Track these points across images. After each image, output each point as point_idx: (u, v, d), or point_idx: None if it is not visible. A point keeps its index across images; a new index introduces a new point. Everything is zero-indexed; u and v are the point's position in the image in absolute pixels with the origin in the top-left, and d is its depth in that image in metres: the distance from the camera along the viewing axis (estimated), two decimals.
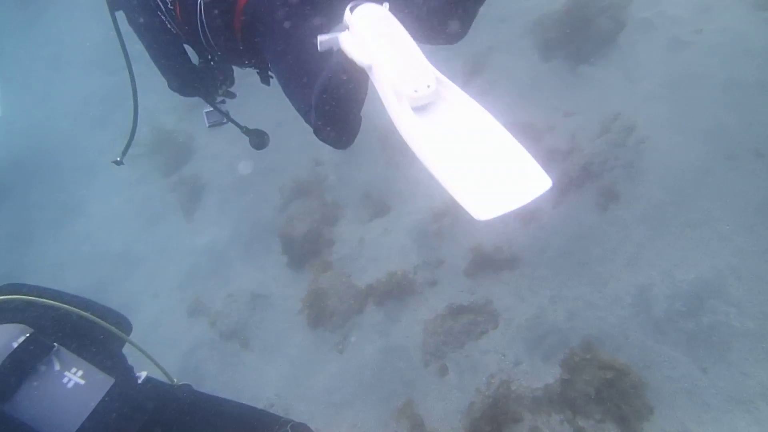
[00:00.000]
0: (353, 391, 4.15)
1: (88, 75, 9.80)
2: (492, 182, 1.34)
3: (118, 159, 2.76)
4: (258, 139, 2.87)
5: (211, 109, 2.83)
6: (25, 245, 7.79)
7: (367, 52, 1.50)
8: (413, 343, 4.19)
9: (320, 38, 1.61)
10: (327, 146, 2.06)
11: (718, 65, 4.28)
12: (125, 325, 2.16)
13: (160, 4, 2.26)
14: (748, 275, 3.42)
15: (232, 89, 2.88)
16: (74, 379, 1.74)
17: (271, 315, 4.97)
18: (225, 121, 2.86)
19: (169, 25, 2.33)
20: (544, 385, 3.52)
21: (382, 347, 4.29)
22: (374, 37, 1.50)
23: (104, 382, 1.76)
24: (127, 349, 2.06)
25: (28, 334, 1.73)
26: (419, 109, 1.45)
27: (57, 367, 1.74)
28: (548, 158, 4.44)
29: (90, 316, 1.93)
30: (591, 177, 4.28)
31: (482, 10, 1.82)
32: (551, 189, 1.33)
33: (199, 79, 2.64)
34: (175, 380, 2.16)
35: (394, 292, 4.48)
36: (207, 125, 2.87)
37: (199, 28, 2.18)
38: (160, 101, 6.34)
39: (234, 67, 2.72)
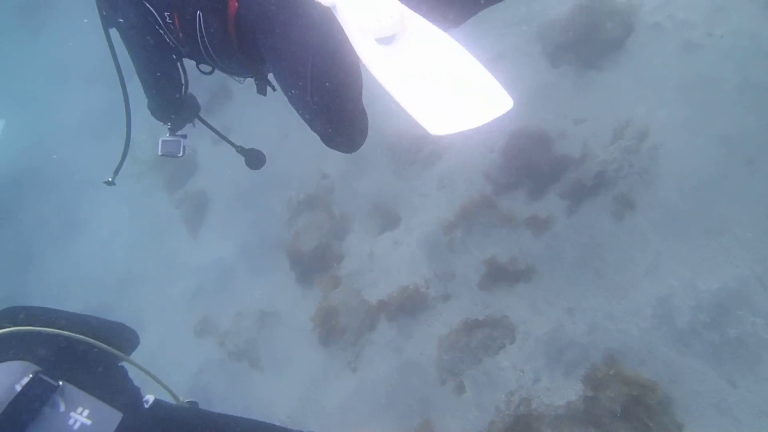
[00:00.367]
0: (368, 410, 4.05)
1: (89, 89, 9.74)
2: (453, 102, 1.40)
3: (110, 179, 2.74)
4: (254, 158, 2.86)
5: (169, 138, 2.80)
6: (28, 265, 7.72)
7: None
8: (428, 360, 4.09)
9: None
10: (333, 157, 2.08)
11: (732, 67, 4.18)
12: (133, 339, 2.12)
13: (158, 18, 2.23)
14: None
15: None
16: (80, 419, 1.67)
17: (280, 333, 4.88)
18: (180, 154, 2.83)
19: (167, 39, 2.31)
20: (566, 402, 3.41)
21: (396, 364, 4.19)
22: None
23: (112, 418, 1.71)
24: (133, 372, 2.01)
25: (31, 374, 1.66)
26: (385, 41, 1.51)
27: (62, 408, 1.68)
28: (560, 166, 4.35)
29: (95, 342, 1.86)
30: (605, 184, 4.19)
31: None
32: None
33: (179, 108, 2.66)
34: (181, 399, 2.12)
35: (407, 306, 4.39)
36: (159, 153, 2.83)
37: (199, 40, 2.18)
38: None
39: (235, 78, 2.70)
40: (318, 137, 2.06)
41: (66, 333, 1.82)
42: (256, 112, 6.39)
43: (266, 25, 1.99)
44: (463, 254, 4.45)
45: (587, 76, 4.88)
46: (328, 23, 1.72)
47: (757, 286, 3.34)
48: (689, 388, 3.16)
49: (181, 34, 2.24)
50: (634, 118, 4.36)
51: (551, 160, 4.38)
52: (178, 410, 2.00)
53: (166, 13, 2.20)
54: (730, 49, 4.31)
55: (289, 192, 5.69)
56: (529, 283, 4.09)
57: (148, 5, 2.23)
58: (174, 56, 2.47)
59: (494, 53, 5.47)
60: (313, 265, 5.03)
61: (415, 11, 1.62)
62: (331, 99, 1.89)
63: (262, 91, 2.53)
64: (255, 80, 2.50)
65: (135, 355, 2.06)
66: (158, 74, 2.44)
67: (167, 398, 2.06)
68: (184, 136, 2.84)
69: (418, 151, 5.21)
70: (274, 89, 2.54)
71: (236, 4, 2.02)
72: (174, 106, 2.64)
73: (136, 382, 1.97)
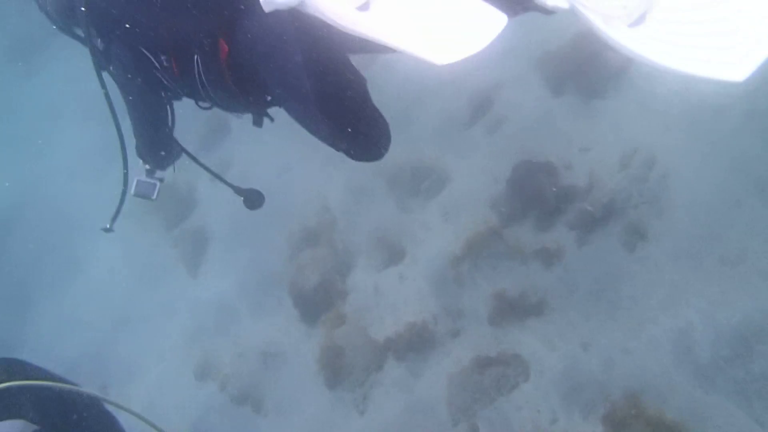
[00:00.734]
0: None
1: (84, 127, 9.69)
2: (449, 30, 1.39)
3: (108, 226, 2.68)
4: (252, 199, 2.83)
5: (145, 179, 2.75)
6: (22, 309, 7.54)
7: None
8: (439, 400, 3.94)
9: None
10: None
11: (738, 93, 4.14)
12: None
13: (155, 62, 2.25)
14: None
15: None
16: None
17: (284, 375, 4.73)
18: (153, 197, 2.79)
19: (165, 82, 2.33)
20: None
21: (405, 405, 4.04)
22: None
23: None
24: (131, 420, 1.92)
25: None
26: (363, 6, 1.49)
27: None
28: (567, 196, 4.28)
29: (91, 391, 1.83)
30: (615, 214, 4.11)
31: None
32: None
33: (169, 145, 2.67)
34: None
35: (415, 344, 4.25)
36: (132, 193, 2.76)
37: (198, 82, 2.21)
38: None
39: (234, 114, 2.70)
40: (332, 158, 2.11)
41: (65, 386, 1.76)
42: (255, 146, 6.34)
43: (260, 66, 2.04)
44: (471, 288, 4.34)
45: (590, 105, 4.85)
46: (310, 40, 1.78)
47: None
48: (716, 430, 3.02)
49: (179, 77, 2.27)
50: (641, 147, 4.30)
51: (558, 189, 4.31)
52: None
53: (162, 57, 2.23)
54: None
55: (290, 227, 5.59)
56: (541, 318, 3.97)
57: (144, 50, 2.25)
58: (164, 96, 2.50)
59: (493, 82, 5.44)
60: (317, 301, 4.91)
61: None
62: (343, 113, 1.95)
63: (258, 123, 2.56)
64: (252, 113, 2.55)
65: (134, 401, 1.98)
66: (152, 112, 2.49)
67: None
68: (161, 180, 2.81)
69: (420, 182, 5.14)
70: (272, 120, 2.58)
71: (226, 48, 2.07)
72: (164, 142, 2.65)
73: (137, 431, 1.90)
